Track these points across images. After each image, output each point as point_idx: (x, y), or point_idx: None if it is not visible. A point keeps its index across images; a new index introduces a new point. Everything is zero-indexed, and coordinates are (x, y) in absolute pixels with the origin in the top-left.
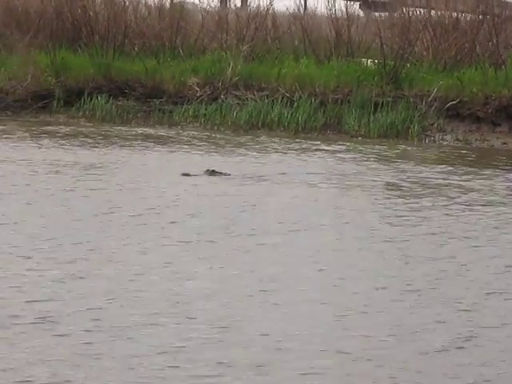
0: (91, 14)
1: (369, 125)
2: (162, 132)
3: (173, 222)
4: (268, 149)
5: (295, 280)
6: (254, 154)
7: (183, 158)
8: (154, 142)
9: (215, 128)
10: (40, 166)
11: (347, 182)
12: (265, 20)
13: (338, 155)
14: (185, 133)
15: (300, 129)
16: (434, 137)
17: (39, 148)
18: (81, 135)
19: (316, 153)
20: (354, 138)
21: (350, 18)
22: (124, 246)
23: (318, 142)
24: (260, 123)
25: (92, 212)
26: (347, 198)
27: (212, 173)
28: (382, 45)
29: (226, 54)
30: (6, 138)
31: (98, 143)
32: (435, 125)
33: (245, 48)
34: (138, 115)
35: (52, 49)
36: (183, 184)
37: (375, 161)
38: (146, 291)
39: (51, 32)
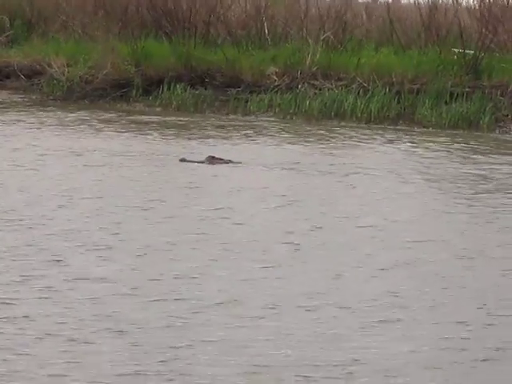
0: (174, 2)
1: (441, 115)
2: (235, 121)
3: None
4: (340, 139)
5: None
6: (328, 144)
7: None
8: (223, 131)
9: (288, 117)
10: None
11: (426, 175)
12: (346, 8)
13: (410, 146)
14: (258, 122)
15: (372, 119)
16: (506, 128)
17: (117, 137)
18: (155, 124)
19: (388, 143)
20: (425, 129)
21: (436, 5)
22: None
23: (389, 132)
24: (333, 113)
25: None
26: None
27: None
28: (461, 34)
29: (307, 42)
30: (83, 126)
31: (169, 134)
32: (510, 116)
33: (324, 37)
34: (215, 104)
35: (133, 37)
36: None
37: (448, 151)
38: None
39: (133, 20)
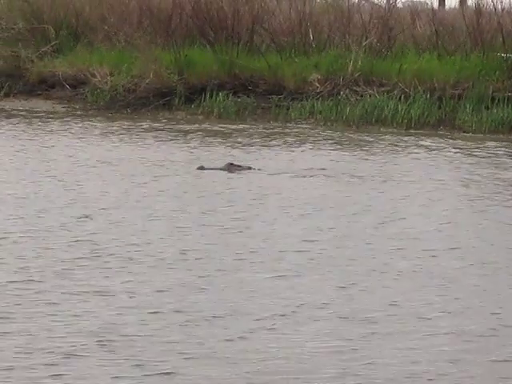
0: (217, 10)
1: (482, 120)
2: (275, 129)
3: None
4: (379, 145)
5: None
6: (366, 150)
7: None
8: (262, 139)
9: (328, 124)
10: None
11: (465, 182)
12: (389, 14)
13: (450, 151)
14: (296, 130)
15: (413, 124)
16: None
17: (158, 146)
18: (196, 132)
19: (427, 149)
20: (466, 134)
21: (480, 10)
22: None
23: (429, 138)
24: (374, 119)
25: None
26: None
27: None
28: (503, 38)
29: (349, 49)
30: (124, 135)
31: (209, 142)
32: None
33: (366, 43)
34: (257, 112)
35: (176, 46)
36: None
37: (489, 157)
38: None
39: (176, 29)
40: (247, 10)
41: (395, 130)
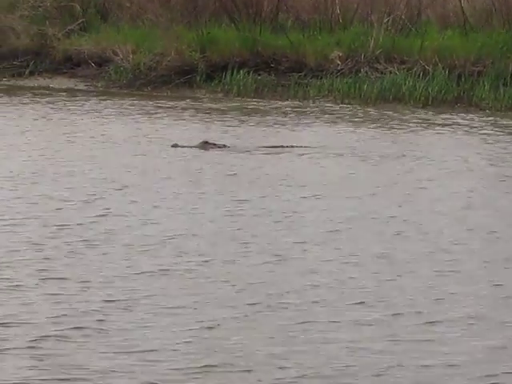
0: None
1: (499, 98)
2: (290, 107)
3: None
4: (394, 123)
5: None
6: (380, 128)
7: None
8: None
9: (346, 102)
10: None
11: (483, 159)
12: None
13: (467, 129)
14: (315, 107)
15: (430, 102)
16: None
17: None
18: (210, 110)
19: (445, 126)
20: (482, 111)
21: None
22: None
23: (446, 115)
24: (391, 96)
25: None
26: None
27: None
28: None
29: (371, 26)
30: (139, 113)
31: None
32: None
33: (387, 20)
34: (277, 89)
35: (197, 23)
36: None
37: (507, 134)
38: None
39: (198, 7)
40: None
41: (411, 108)
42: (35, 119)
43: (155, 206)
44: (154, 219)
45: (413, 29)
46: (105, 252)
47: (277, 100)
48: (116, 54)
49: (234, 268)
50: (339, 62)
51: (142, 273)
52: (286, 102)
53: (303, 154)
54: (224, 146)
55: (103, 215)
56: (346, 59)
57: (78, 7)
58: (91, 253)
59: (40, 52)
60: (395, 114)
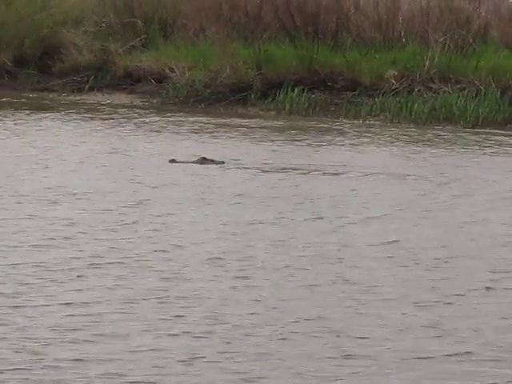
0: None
1: None
2: (338, 125)
3: None
4: (439, 143)
5: None
6: (424, 148)
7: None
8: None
9: (396, 121)
10: None
11: None
12: (471, 9)
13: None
14: (363, 127)
15: (480, 122)
16: None
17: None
18: (257, 128)
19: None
20: None
21: None
22: None
23: (495, 137)
24: (442, 116)
25: None
26: None
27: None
28: None
29: (427, 46)
30: (183, 130)
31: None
32: None
33: (443, 39)
34: (330, 108)
35: (254, 40)
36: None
37: None
38: None
39: (253, 23)
40: (335, 5)
41: (461, 128)
42: (88, 134)
43: None
44: None
45: (471, 48)
46: None
47: (327, 118)
48: (172, 71)
49: None
50: (394, 81)
51: None
52: (335, 121)
53: (363, 176)
54: (222, 162)
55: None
56: (401, 78)
57: (140, 23)
58: None
59: (101, 68)
60: (444, 134)
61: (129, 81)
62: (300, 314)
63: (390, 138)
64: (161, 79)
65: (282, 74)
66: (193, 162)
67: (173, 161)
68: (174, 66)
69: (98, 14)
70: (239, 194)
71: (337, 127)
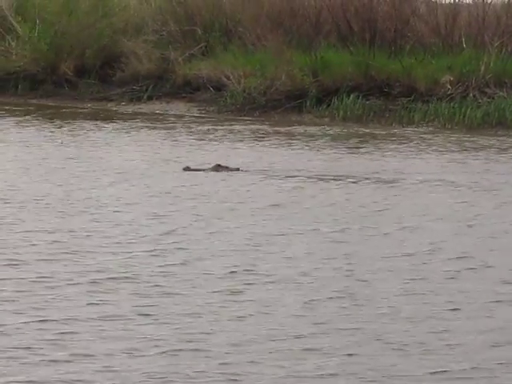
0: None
1: None
2: (392, 132)
3: None
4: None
5: None
6: (471, 155)
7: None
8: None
9: (449, 127)
10: None
11: None
12: None
13: None
14: (414, 133)
15: None
16: None
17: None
18: (308, 136)
19: None
20: None
21: None
22: None
23: None
24: (495, 121)
25: None
26: None
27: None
28: None
29: (483, 50)
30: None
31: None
32: None
33: (498, 43)
34: (384, 114)
35: (310, 47)
36: None
37: None
38: None
39: (311, 30)
40: (391, 10)
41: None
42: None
43: None
44: None
45: None
46: None
47: (381, 125)
48: (229, 79)
49: None
50: (449, 87)
51: None
52: (388, 127)
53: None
54: (237, 169)
55: None
56: (457, 83)
57: (200, 31)
58: None
59: (161, 76)
60: (495, 141)
61: (188, 89)
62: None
63: (440, 145)
64: (219, 87)
65: (338, 80)
66: (207, 170)
67: (187, 168)
68: (230, 74)
69: (158, 22)
70: (274, 204)
71: (388, 134)
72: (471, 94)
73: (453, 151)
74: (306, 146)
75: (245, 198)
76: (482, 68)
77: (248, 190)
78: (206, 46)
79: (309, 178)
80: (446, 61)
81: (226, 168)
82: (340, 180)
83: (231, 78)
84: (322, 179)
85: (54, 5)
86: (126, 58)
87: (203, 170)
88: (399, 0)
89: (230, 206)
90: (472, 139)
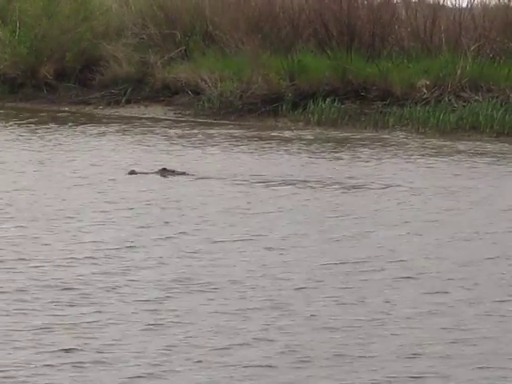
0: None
1: None
2: (364, 136)
3: None
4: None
5: None
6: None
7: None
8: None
9: (422, 131)
10: None
11: None
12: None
13: None
14: (386, 137)
15: (506, 131)
16: None
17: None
18: (280, 140)
19: None
20: None
21: None
22: None
23: None
24: (468, 126)
25: None
26: None
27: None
28: None
29: (460, 54)
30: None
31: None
32: None
33: (473, 48)
34: (360, 118)
35: (286, 50)
36: None
37: None
38: None
39: (289, 34)
40: (373, 16)
41: (485, 138)
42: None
43: None
44: None
45: (503, 56)
46: None
47: (355, 129)
48: (206, 83)
49: None
50: (425, 91)
51: None
52: (362, 131)
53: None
54: (183, 173)
55: None
56: (433, 87)
57: (180, 35)
58: None
59: (140, 80)
60: (468, 145)
61: (166, 93)
62: None
63: (413, 149)
64: (197, 91)
65: (314, 84)
66: (153, 173)
67: (132, 172)
68: (207, 78)
69: (139, 25)
70: (221, 210)
71: (361, 138)
72: (446, 98)
73: (424, 155)
74: (277, 150)
75: (184, 204)
76: (459, 72)
77: (185, 195)
78: (185, 50)
79: (269, 182)
80: (423, 64)
81: (172, 172)
82: (306, 185)
83: (208, 81)
84: (285, 184)
85: (34, 8)
86: (105, 62)
87: (149, 173)
88: (378, 4)
89: (167, 212)
90: (445, 143)
